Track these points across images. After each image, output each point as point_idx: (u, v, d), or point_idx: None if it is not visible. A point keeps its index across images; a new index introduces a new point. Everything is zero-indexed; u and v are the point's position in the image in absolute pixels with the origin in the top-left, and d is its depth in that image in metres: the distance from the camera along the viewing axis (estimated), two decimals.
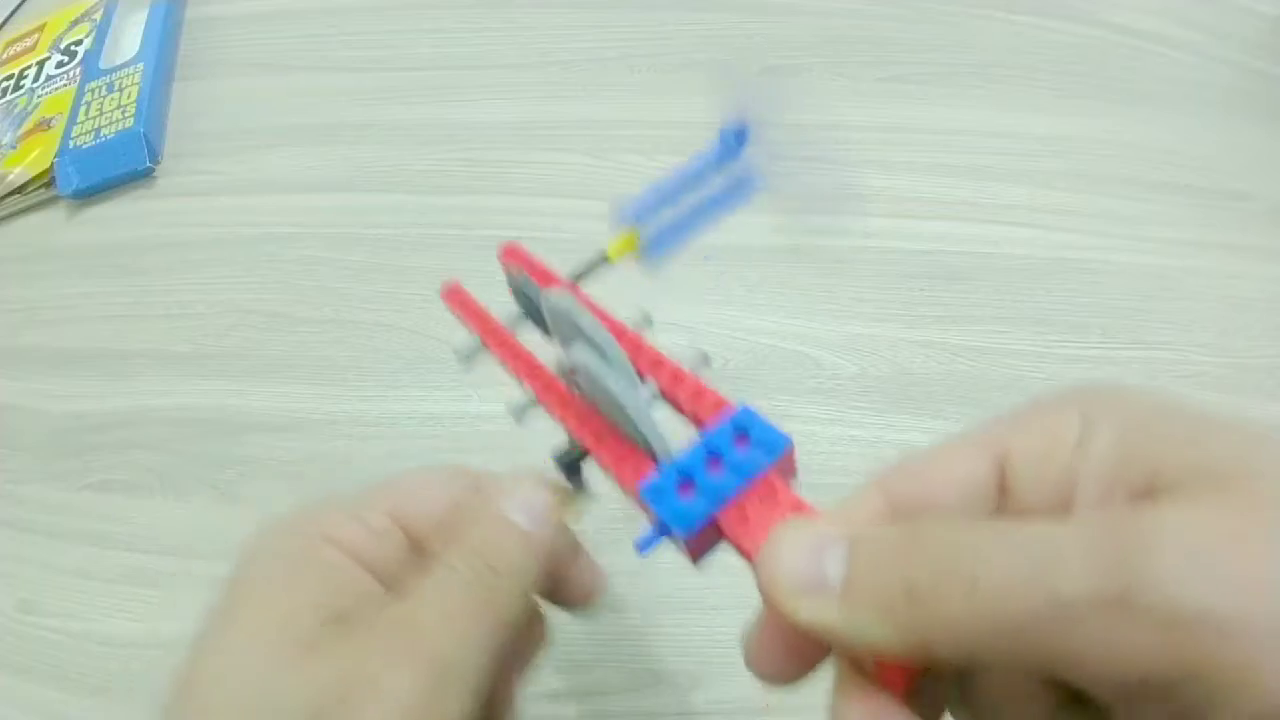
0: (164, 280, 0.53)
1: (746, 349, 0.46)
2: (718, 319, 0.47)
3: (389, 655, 0.18)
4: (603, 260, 0.27)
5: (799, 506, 0.19)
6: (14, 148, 0.60)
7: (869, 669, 0.17)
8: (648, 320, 0.26)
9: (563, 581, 0.23)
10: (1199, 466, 0.15)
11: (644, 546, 0.20)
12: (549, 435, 0.25)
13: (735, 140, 0.26)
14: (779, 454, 0.20)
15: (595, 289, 0.26)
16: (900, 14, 0.61)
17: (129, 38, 0.65)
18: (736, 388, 0.44)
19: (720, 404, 0.21)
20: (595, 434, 0.22)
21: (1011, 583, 0.14)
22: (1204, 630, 0.13)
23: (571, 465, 0.23)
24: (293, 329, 0.49)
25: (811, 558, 0.16)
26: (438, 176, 0.55)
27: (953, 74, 0.57)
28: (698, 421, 0.22)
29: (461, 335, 0.27)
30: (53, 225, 0.57)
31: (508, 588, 0.20)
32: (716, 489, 0.19)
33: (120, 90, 0.60)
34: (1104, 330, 0.46)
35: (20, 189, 0.57)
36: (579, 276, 0.27)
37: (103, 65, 0.63)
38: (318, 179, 0.56)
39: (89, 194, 0.57)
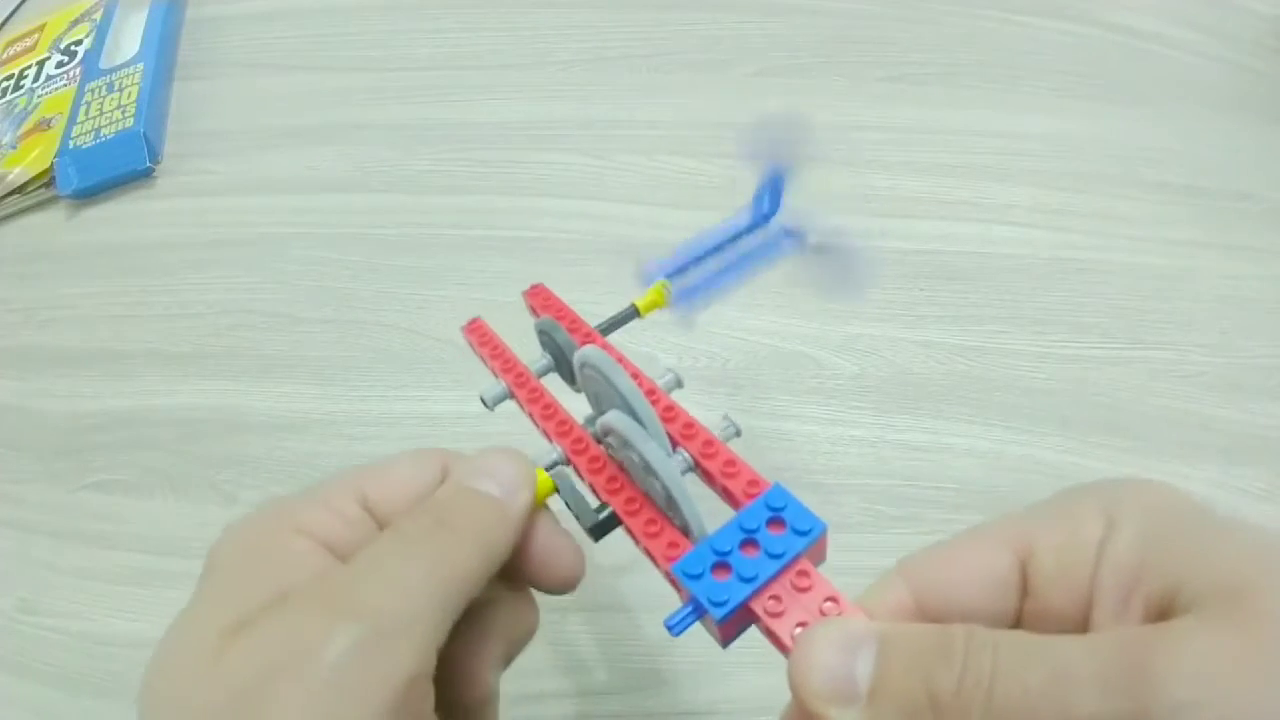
0: (164, 280, 0.53)
1: (746, 349, 0.46)
2: (718, 319, 0.47)
3: (321, 617, 0.18)
4: (633, 313, 0.27)
5: (831, 594, 0.19)
6: (14, 148, 0.60)
7: None
8: (679, 382, 0.25)
9: (539, 561, 0.22)
10: (1215, 583, 0.15)
11: (677, 627, 0.20)
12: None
13: (770, 204, 0.27)
14: (813, 540, 0.20)
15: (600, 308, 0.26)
16: (900, 14, 0.61)
17: (129, 38, 0.65)
18: (737, 388, 0.44)
19: (755, 481, 0.21)
20: (626, 501, 0.22)
21: (1027, 698, 0.14)
22: None
23: (598, 528, 0.22)
24: (293, 329, 0.49)
25: (842, 661, 0.16)
26: (438, 176, 0.55)
27: (953, 74, 0.57)
28: (728, 494, 0.22)
29: (488, 381, 0.27)
30: (53, 225, 0.57)
31: (458, 543, 0.20)
32: (752, 573, 0.19)
33: (120, 90, 0.60)
34: (1104, 330, 0.46)
35: (20, 189, 0.58)
36: (607, 329, 0.27)
37: (103, 65, 0.63)
38: (318, 179, 0.56)
39: (89, 194, 0.57)
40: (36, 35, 0.68)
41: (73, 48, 0.66)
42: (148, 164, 0.57)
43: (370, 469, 0.22)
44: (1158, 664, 0.14)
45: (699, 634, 0.20)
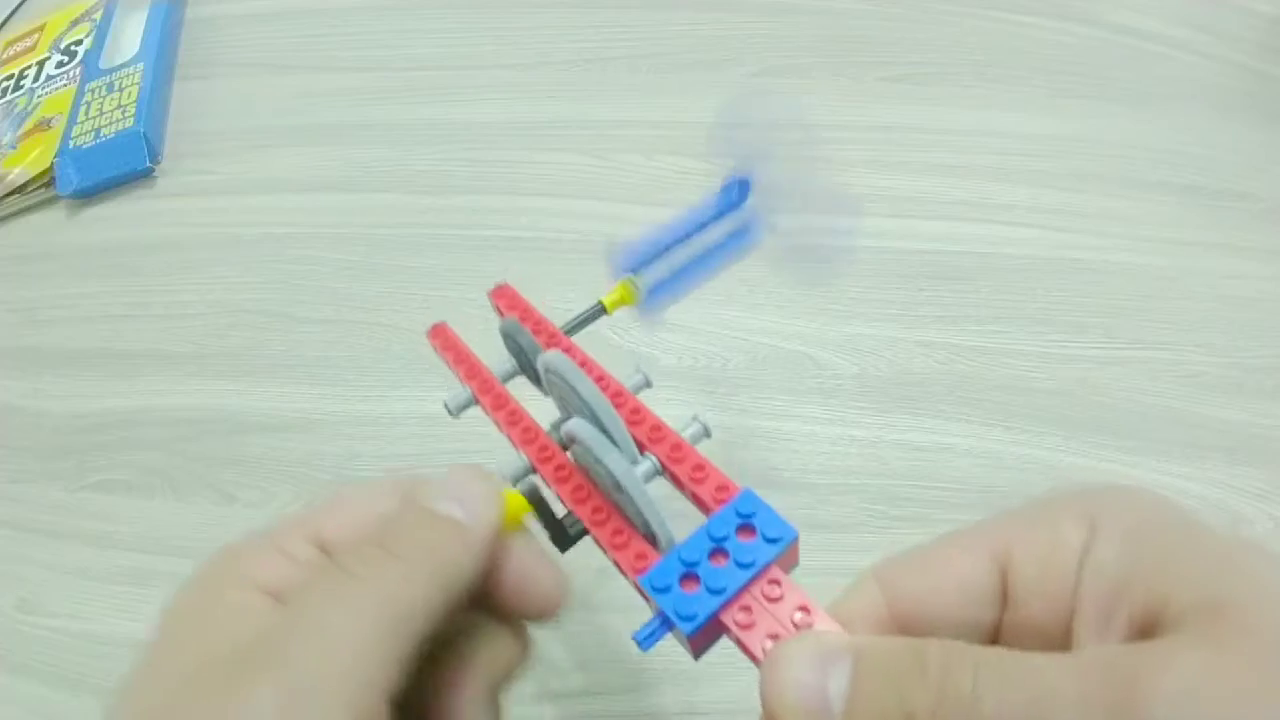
0: (164, 280, 0.53)
1: (746, 349, 0.46)
2: (718, 319, 0.47)
3: (242, 683, 0.16)
4: (599, 311, 0.27)
5: (803, 604, 0.18)
6: (14, 148, 0.60)
7: None
8: (647, 382, 0.25)
9: (513, 587, 0.20)
10: (1200, 598, 0.15)
11: (646, 642, 0.19)
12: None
13: (738, 191, 0.26)
14: (783, 548, 0.19)
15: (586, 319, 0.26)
16: (900, 14, 0.61)
17: (129, 38, 0.65)
18: (737, 388, 0.44)
19: (724, 486, 0.21)
20: (593, 510, 0.21)
21: (1009, 718, 0.14)
22: None
23: (564, 538, 0.22)
24: (293, 329, 0.49)
25: (816, 678, 0.16)
26: (438, 176, 0.55)
27: (953, 74, 0.57)
28: (697, 500, 0.21)
29: (453, 387, 0.26)
30: (53, 225, 0.57)
31: (407, 573, 0.18)
32: (721, 584, 0.19)
33: (120, 90, 0.60)
34: (1104, 330, 0.46)
35: (20, 189, 0.58)
36: (573, 328, 0.26)
37: (103, 65, 0.63)
38: (318, 179, 0.56)
39: (89, 194, 0.57)
40: (36, 35, 0.68)
41: (73, 48, 0.66)
42: (148, 164, 0.57)
43: (324, 505, 0.20)
44: (1142, 686, 0.14)
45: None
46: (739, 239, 0.27)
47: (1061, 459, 0.42)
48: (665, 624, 0.19)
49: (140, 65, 0.62)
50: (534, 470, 0.23)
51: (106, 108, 0.60)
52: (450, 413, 0.26)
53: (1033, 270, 0.48)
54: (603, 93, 0.58)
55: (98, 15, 0.67)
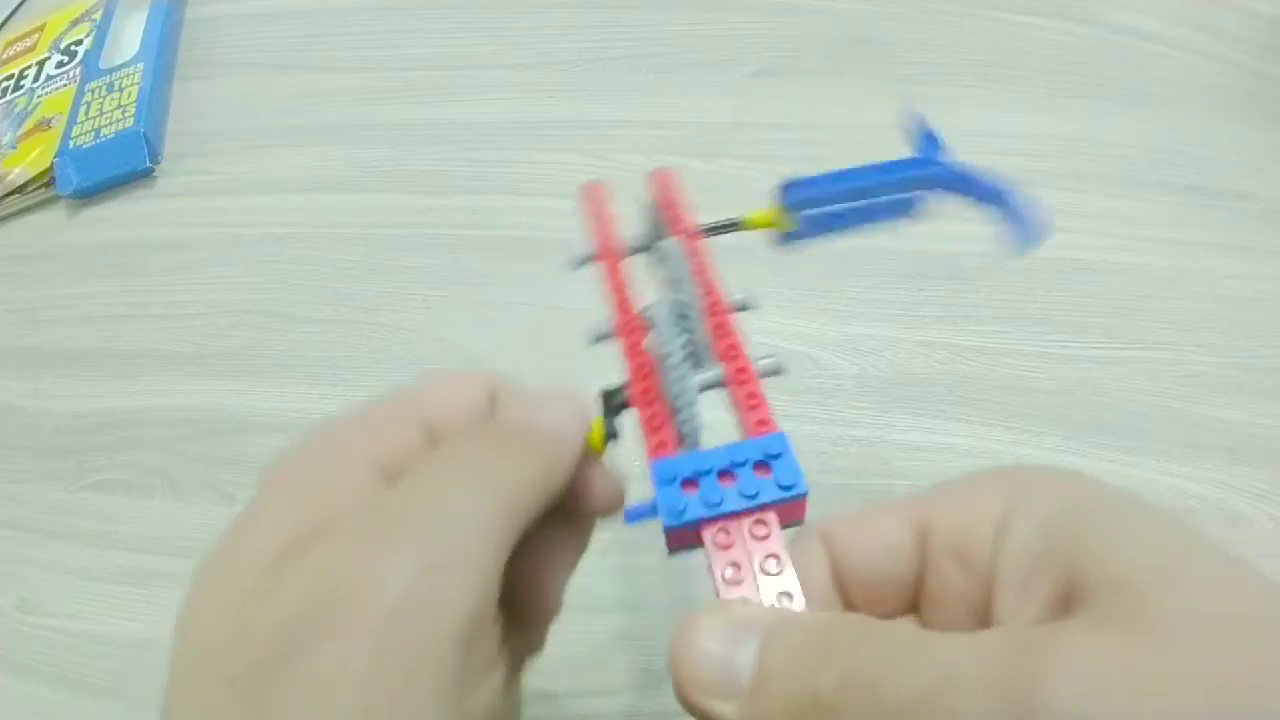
0: (164, 280, 0.53)
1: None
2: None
3: (374, 548, 0.16)
4: (739, 223, 0.27)
5: (776, 553, 0.18)
6: (14, 148, 0.60)
7: None
8: (751, 304, 0.25)
9: (584, 495, 0.22)
10: (1115, 578, 0.15)
11: (632, 517, 0.20)
12: None
13: (928, 147, 0.25)
14: (787, 497, 0.19)
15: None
16: (900, 14, 0.61)
17: (129, 38, 0.65)
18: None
19: (764, 421, 0.21)
20: (646, 391, 0.22)
21: (911, 699, 0.14)
22: None
23: (613, 407, 0.23)
24: (292, 329, 0.49)
25: (725, 650, 0.16)
26: (438, 176, 0.55)
27: (953, 74, 0.57)
28: (742, 424, 0.22)
29: (581, 241, 0.27)
30: (53, 225, 0.57)
31: (518, 472, 0.19)
32: (715, 500, 0.19)
33: (120, 90, 0.60)
34: (1104, 330, 0.46)
35: (20, 189, 0.58)
36: (710, 229, 0.27)
37: (103, 65, 0.63)
38: (318, 179, 0.56)
39: (89, 194, 0.57)
40: (36, 35, 0.68)
41: (73, 48, 0.66)
42: (148, 164, 0.57)
43: (424, 388, 0.21)
44: (1044, 671, 0.13)
45: None
46: (903, 206, 0.26)
47: (1061, 459, 0.42)
48: (653, 511, 0.20)
49: (140, 65, 0.62)
50: (616, 334, 0.24)
51: (106, 108, 0.60)
52: (570, 263, 0.27)
53: (1033, 270, 0.48)
54: (603, 93, 0.58)
55: (98, 15, 0.67)
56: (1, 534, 0.44)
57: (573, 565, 0.22)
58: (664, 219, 0.27)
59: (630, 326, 0.24)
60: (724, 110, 0.57)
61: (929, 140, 0.25)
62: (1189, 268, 0.48)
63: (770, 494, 0.19)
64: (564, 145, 0.55)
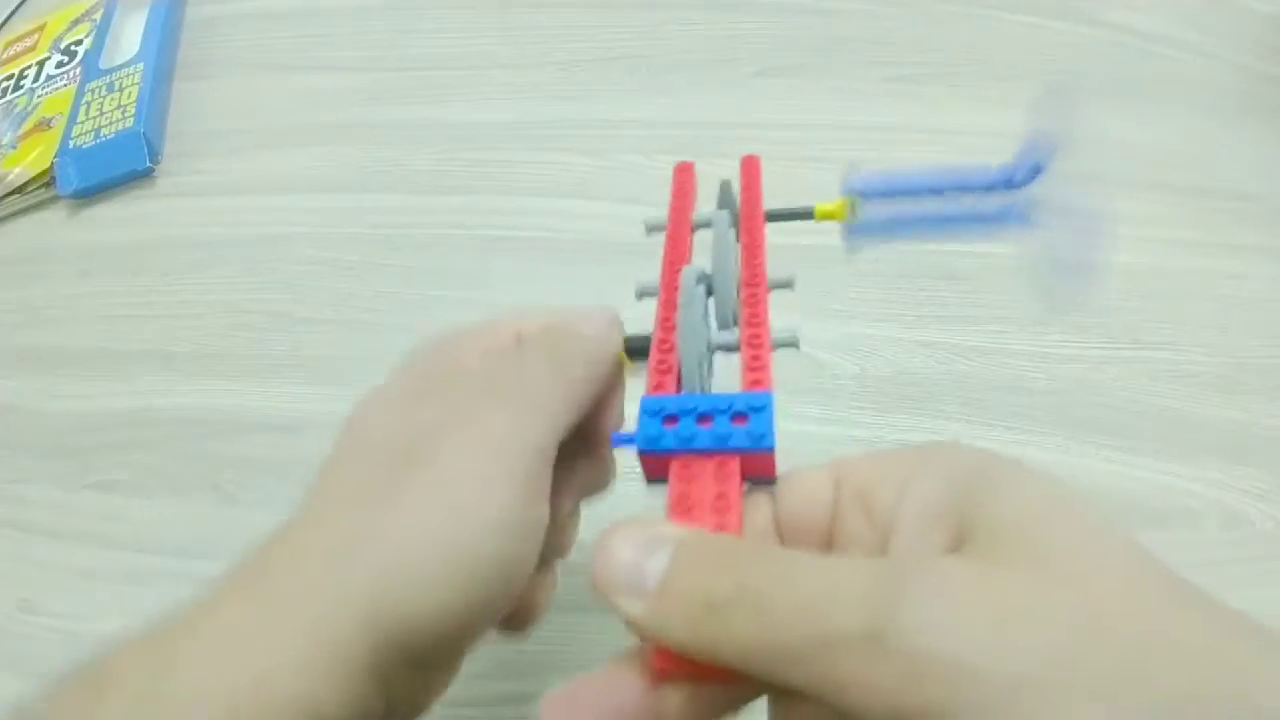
0: (164, 280, 0.53)
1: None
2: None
3: (480, 394, 0.23)
4: (808, 214, 0.28)
5: (726, 494, 0.20)
6: (14, 148, 0.60)
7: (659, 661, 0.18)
8: (789, 284, 0.27)
9: (605, 404, 0.26)
10: (992, 523, 0.17)
11: (617, 440, 0.23)
12: None
13: (1026, 172, 0.25)
14: (751, 448, 0.21)
15: None
16: (900, 14, 0.61)
17: (129, 38, 0.65)
18: (736, 387, 0.44)
19: (758, 381, 0.23)
20: (664, 342, 0.25)
21: (792, 610, 0.16)
22: (943, 677, 0.14)
23: (637, 349, 0.26)
24: (293, 329, 0.49)
25: (637, 557, 0.18)
26: (438, 176, 0.55)
27: (953, 74, 0.57)
28: (740, 382, 0.24)
29: (661, 213, 0.30)
30: (53, 225, 0.57)
31: (569, 362, 0.24)
32: (688, 437, 0.21)
33: (120, 90, 0.60)
34: (1104, 330, 0.46)
35: (20, 189, 0.58)
36: (775, 216, 0.28)
37: (103, 65, 0.63)
38: (318, 179, 0.56)
39: (89, 194, 0.57)
40: (36, 35, 0.68)
41: (73, 48, 0.66)
42: (148, 164, 0.57)
43: (521, 312, 0.27)
44: (910, 588, 0.15)
45: None
46: (1001, 219, 0.26)
47: (1061, 459, 0.42)
48: (633, 439, 0.22)
49: (140, 65, 0.62)
50: (659, 293, 0.27)
51: (106, 108, 0.60)
52: (647, 228, 0.30)
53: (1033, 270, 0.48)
54: (603, 93, 0.58)
55: (98, 15, 0.67)
56: (1, 534, 0.44)
57: (590, 493, 0.28)
58: (730, 192, 0.29)
59: (671, 287, 0.26)
60: (724, 110, 0.57)
61: (1032, 163, 0.25)
62: (1189, 268, 0.48)
63: (739, 441, 0.21)
64: (564, 145, 0.55)
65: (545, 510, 0.23)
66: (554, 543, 0.26)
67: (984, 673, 0.14)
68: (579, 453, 0.26)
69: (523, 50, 0.61)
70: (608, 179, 0.54)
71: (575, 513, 0.28)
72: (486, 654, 0.36)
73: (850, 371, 0.45)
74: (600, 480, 0.28)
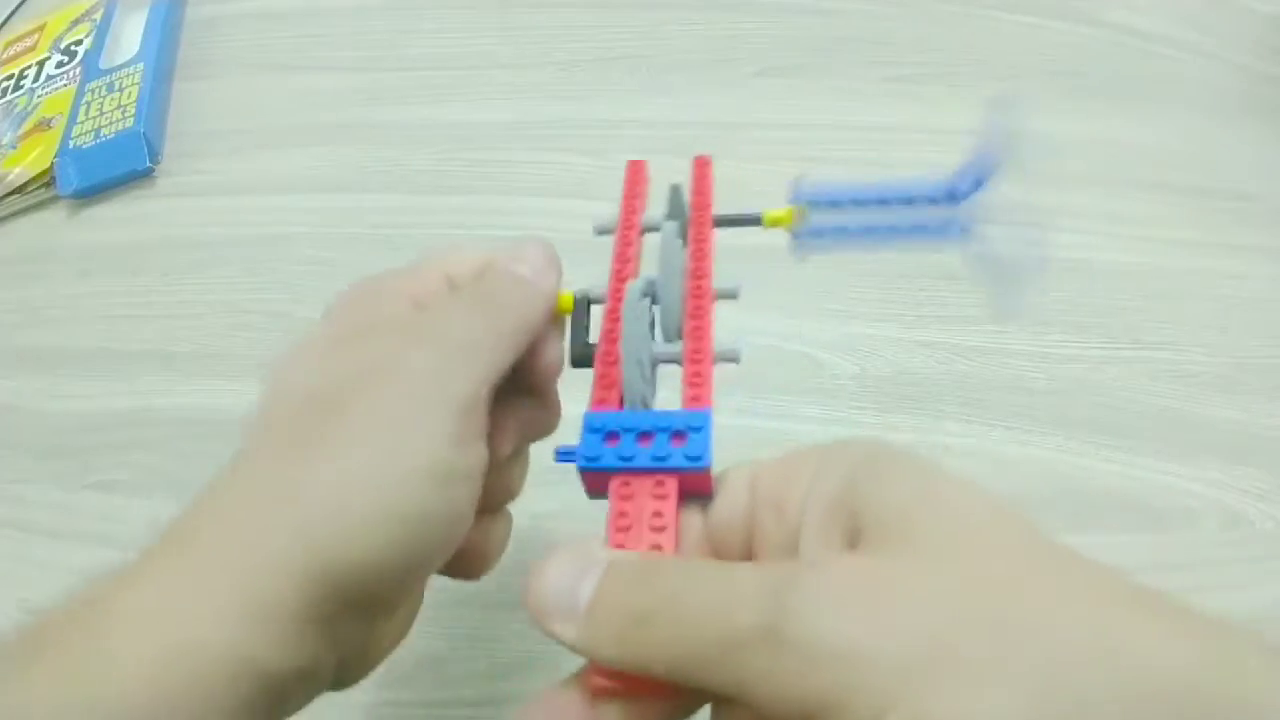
0: (164, 280, 0.53)
1: (747, 349, 0.46)
2: (717, 319, 0.47)
3: (406, 341, 0.23)
4: (756, 220, 0.28)
5: (662, 513, 0.20)
6: (14, 148, 0.60)
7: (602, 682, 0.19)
8: (734, 295, 0.27)
9: (540, 356, 0.26)
10: (879, 518, 0.18)
11: (561, 455, 0.23)
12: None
13: (969, 185, 0.25)
14: (690, 467, 0.21)
15: None
16: (900, 14, 0.61)
17: (129, 38, 0.65)
18: (736, 387, 0.44)
19: (698, 399, 0.23)
20: (607, 353, 0.25)
21: (702, 615, 0.17)
22: (834, 666, 0.15)
23: (580, 357, 0.26)
24: (293, 329, 0.49)
25: (570, 583, 0.18)
26: (438, 176, 0.55)
27: (953, 74, 0.57)
28: (682, 398, 0.23)
29: (611, 210, 0.30)
30: (53, 225, 0.57)
31: (502, 307, 0.24)
32: (626, 456, 0.21)
33: (120, 90, 0.60)
34: (1104, 330, 0.46)
35: (20, 189, 0.58)
36: (724, 222, 0.28)
37: (103, 65, 0.63)
38: (317, 179, 0.56)
39: (89, 194, 0.57)
40: (36, 35, 0.68)
41: (73, 48, 0.66)
42: (148, 164, 0.57)
43: (448, 251, 0.27)
44: (801, 583, 0.16)
45: None
46: (943, 230, 0.26)
47: (1061, 459, 0.42)
48: (573, 455, 0.22)
49: (140, 65, 0.62)
50: (606, 300, 0.26)
51: (106, 108, 0.60)
52: (595, 229, 0.30)
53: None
54: (603, 93, 0.58)
55: (98, 15, 0.67)
56: (1, 534, 0.44)
57: (534, 436, 0.27)
58: (680, 197, 0.28)
59: (617, 296, 0.26)
60: (724, 110, 0.57)
61: (976, 175, 0.25)
62: (1189, 268, 0.48)
63: (675, 461, 0.21)
64: (564, 145, 0.55)
65: (480, 455, 0.23)
66: (498, 486, 0.26)
67: (871, 659, 0.15)
68: (519, 393, 0.26)
69: (523, 50, 0.61)
70: (608, 179, 0.53)
71: (522, 455, 0.28)
72: (468, 656, 0.37)
73: (850, 371, 0.45)
74: (545, 421, 0.28)
